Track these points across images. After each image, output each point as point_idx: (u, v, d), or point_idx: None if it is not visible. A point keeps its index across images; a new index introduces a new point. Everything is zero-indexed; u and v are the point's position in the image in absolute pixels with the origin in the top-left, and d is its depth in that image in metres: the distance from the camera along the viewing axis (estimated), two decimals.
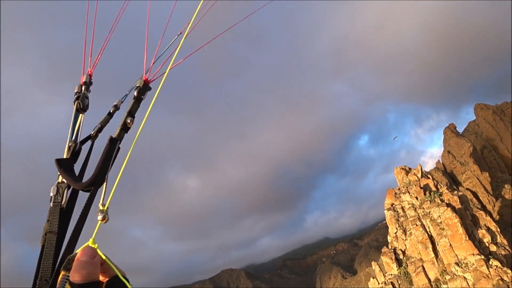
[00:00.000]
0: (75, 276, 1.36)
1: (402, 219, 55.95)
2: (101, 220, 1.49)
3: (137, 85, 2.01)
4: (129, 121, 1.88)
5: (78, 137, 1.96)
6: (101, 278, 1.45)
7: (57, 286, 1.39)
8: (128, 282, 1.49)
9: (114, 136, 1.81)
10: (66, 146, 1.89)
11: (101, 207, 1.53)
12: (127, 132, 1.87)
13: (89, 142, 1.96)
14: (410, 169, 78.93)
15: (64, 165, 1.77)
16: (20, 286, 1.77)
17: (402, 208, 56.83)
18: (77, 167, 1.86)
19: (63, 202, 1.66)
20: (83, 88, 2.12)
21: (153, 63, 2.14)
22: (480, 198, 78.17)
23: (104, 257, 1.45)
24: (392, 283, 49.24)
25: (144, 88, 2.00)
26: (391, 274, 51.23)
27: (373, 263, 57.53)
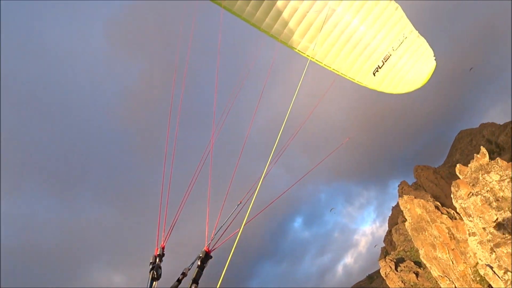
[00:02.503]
0: None
1: (494, 204, 48.16)
2: None
3: (200, 255, 2.55)
4: None
5: None
6: None
7: None
8: None
9: None
10: None
11: None
12: None
13: None
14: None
15: None
16: None
17: (491, 189, 49.36)
18: None
19: None
20: (157, 260, 2.68)
21: (213, 235, 2.70)
22: None
23: None
24: None
25: (206, 258, 2.48)
26: None
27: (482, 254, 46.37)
